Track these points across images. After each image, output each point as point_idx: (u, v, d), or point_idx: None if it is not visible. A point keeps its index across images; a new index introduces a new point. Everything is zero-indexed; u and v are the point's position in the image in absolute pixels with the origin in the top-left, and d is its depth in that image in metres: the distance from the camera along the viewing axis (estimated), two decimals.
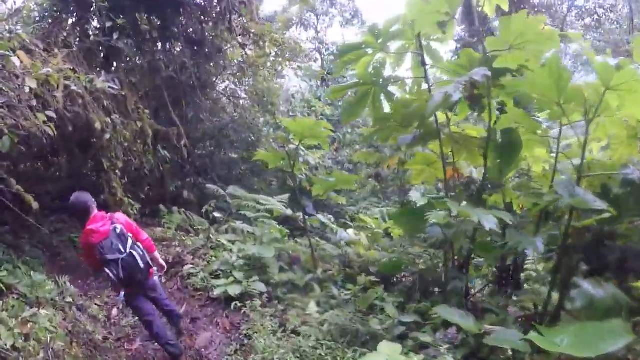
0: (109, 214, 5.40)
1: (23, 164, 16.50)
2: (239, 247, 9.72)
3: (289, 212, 10.14)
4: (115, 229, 5.07)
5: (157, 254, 5.74)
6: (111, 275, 5.01)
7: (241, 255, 9.03)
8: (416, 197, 11.99)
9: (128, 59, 14.54)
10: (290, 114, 19.46)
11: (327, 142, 8.81)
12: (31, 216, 12.89)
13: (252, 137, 19.29)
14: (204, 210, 13.05)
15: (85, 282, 10.64)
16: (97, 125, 9.09)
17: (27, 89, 7.25)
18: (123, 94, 10.61)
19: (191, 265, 9.65)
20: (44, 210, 14.86)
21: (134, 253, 5.09)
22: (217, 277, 8.86)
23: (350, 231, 10.05)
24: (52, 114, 7.29)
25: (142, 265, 5.11)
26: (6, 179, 7.42)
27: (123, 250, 4.96)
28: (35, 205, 7.58)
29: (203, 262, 9.95)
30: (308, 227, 9.90)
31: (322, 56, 30.17)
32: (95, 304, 8.80)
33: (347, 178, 9.42)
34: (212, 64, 17.55)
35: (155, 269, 5.60)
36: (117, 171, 11.38)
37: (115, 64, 12.68)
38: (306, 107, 22.14)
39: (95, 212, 5.33)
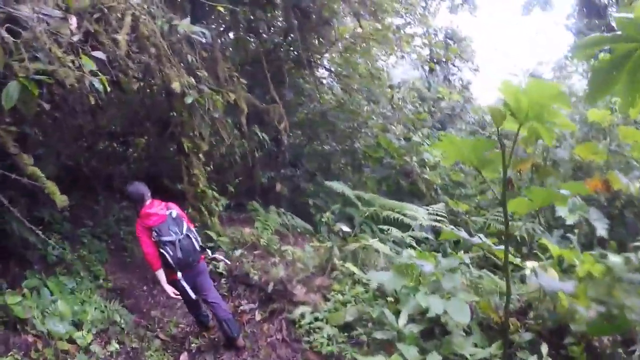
0: (163, 202, 5.44)
1: (101, 142, 14.49)
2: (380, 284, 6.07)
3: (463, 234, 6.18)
4: (171, 213, 5.17)
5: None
6: (167, 256, 5.06)
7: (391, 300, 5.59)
8: (564, 213, 8.32)
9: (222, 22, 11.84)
10: (398, 103, 16.00)
11: None
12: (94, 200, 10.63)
13: (357, 127, 16.21)
14: (318, 217, 9.83)
15: (150, 294, 7.92)
16: (176, 86, 6.27)
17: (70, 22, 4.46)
18: (213, 53, 7.71)
19: (305, 306, 6.27)
20: (114, 194, 12.62)
21: (189, 235, 5.19)
22: (353, 338, 5.50)
23: (532, 264, 6.40)
24: (101, 54, 4.39)
25: (196, 246, 5.22)
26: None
27: (180, 232, 5.06)
28: (62, 199, 4.69)
29: (323, 301, 6.44)
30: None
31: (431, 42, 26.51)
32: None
33: (575, 186, 5.72)
34: (317, 38, 14.44)
35: (207, 252, 5.64)
36: (200, 155, 8.55)
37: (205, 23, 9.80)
38: (416, 97, 18.62)
39: (150, 199, 5.38)
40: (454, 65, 23.62)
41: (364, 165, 17.33)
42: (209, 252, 5.83)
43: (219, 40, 9.08)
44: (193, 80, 6.88)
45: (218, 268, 8.04)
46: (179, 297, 5.55)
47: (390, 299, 5.83)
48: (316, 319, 5.97)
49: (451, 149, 4.31)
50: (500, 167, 4.09)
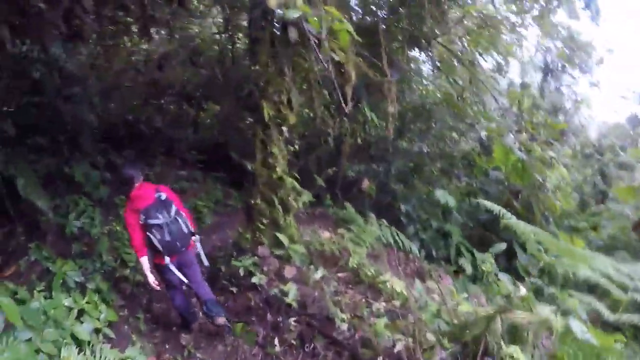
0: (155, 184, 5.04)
1: (167, 101, 12.47)
2: None
3: None
4: (160, 196, 4.79)
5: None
6: (155, 240, 4.68)
7: None
8: None
9: None
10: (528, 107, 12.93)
11: None
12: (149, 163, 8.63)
13: (461, 128, 13.37)
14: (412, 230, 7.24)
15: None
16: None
17: None
18: None
19: None
20: (173, 159, 10.49)
21: (179, 219, 4.80)
22: None
23: None
24: None
25: (185, 231, 4.84)
26: None
27: (168, 216, 4.72)
28: None
29: None
30: None
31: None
32: None
33: None
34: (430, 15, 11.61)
35: (196, 237, 5.08)
36: (284, 128, 6.13)
37: None
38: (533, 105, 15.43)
39: (140, 182, 4.92)
40: (571, 76, 20.17)
41: (458, 174, 14.51)
42: (195, 237, 5.18)
43: None
44: None
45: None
46: (158, 287, 5.12)
47: None
48: None
49: None
50: None
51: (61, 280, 5.08)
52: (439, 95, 13.08)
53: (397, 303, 5.25)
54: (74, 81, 6.94)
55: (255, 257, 6.04)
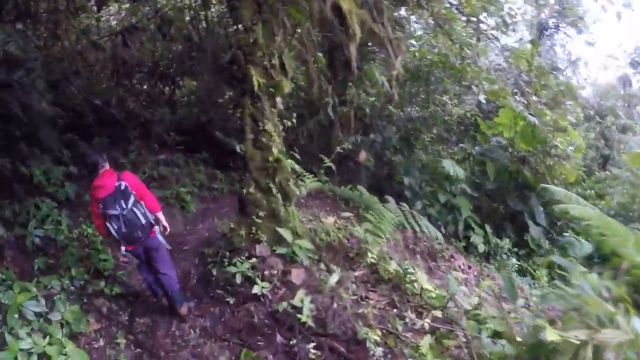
0: (117, 172, 4.80)
1: (143, 81, 11.14)
2: None
3: None
4: (119, 185, 4.61)
5: (161, 215, 4.98)
6: (112, 230, 4.57)
7: None
8: None
9: None
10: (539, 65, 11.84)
11: None
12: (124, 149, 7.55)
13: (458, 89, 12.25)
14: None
15: None
16: None
17: None
18: None
19: None
20: (150, 143, 9.32)
21: (135, 210, 4.59)
22: None
23: None
24: None
25: (143, 221, 4.61)
26: None
27: (124, 207, 4.54)
28: None
29: None
30: None
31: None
32: None
33: None
34: None
35: (156, 228, 4.85)
36: (277, 99, 5.02)
37: None
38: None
39: (105, 169, 4.78)
40: (566, 34, 19.04)
41: (451, 141, 13.49)
42: (157, 229, 4.90)
43: None
44: None
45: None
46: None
47: None
48: None
49: None
50: None
51: (16, 315, 3.96)
52: (433, 57, 11.83)
53: (437, 314, 4.19)
54: (17, 66, 5.67)
55: (253, 259, 4.95)
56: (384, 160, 11.13)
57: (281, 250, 4.99)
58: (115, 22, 10.09)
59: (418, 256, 7.20)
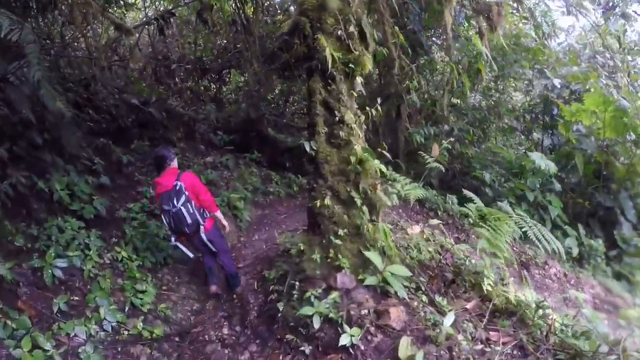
0: (179, 172, 4.97)
1: (185, 77, 9.98)
2: None
3: None
4: (176, 185, 4.81)
5: (219, 213, 5.14)
6: (164, 222, 4.87)
7: None
8: None
9: None
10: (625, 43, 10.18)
11: None
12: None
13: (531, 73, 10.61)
14: None
15: None
16: None
17: None
18: None
19: None
20: (196, 144, 8.16)
21: (183, 208, 4.79)
22: None
23: None
24: None
25: (189, 221, 4.82)
26: None
27: (175, 205, 4.76)
28: None
29: None
30: None
31: None
32: None
33: None
34: None
35: (202, 227, 4.95)
36: (356, 80, 3.69)
37: None
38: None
39: (171, 167, 4.98)
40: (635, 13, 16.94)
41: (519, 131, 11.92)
42: (202, 228, 4.91)
43: None
44: None
45: None
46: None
47: None
48: None
49: None
50: None
51: None
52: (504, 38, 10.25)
53: None
54: (17, 58, 4.48)
55: (334, 292, 3.64)
56: (453, 154, 9.69)
57: (370, 280, 3.66)
58: (150, 12, 8.96)
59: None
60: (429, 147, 8.61)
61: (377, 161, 3.82)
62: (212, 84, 10.17)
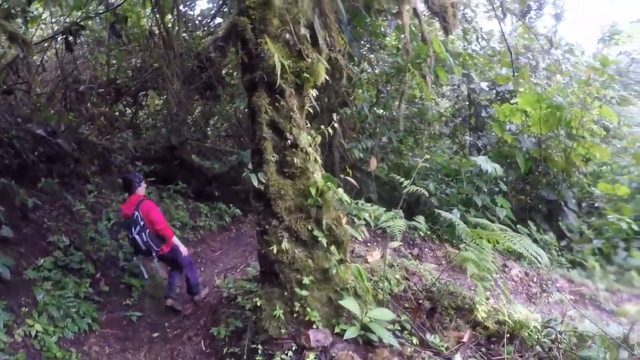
0: (139, 200, 5.22)
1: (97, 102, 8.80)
2: None
3: None
4: (134, 214, 5.14)
5: (175, 239, 5.35)
6: (128, 242, 5.34)
7: None
8: None
9: None
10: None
11: None
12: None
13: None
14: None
15: None
16: None
17: None
18: None
19: None
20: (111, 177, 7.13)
21: (137, 237, 5.15)
22: None
23: None
24: None
25: (143, 247, 5.18)
26: None
27: (132, 233, 5.16)
28: None
29: None
30: None
31: None
32: None
33: None
34: None
35: (154, 252, 5.26)
36: (308, 94, 3.00)
37: None
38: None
39: (135, 193, 5.29)
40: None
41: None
42: (154, 253, 5.23)
43: None
44: None
45: None
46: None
47: None
48: None
49: None
50: None
51: None
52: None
53: None
54: None
55: (309, 353, 2.91)
56: (389, 165, 9.23)
57: (351, 332, 2.96)
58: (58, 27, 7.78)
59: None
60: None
61: (340, 189, 3.15)
62: (127, 108, 9.10)
